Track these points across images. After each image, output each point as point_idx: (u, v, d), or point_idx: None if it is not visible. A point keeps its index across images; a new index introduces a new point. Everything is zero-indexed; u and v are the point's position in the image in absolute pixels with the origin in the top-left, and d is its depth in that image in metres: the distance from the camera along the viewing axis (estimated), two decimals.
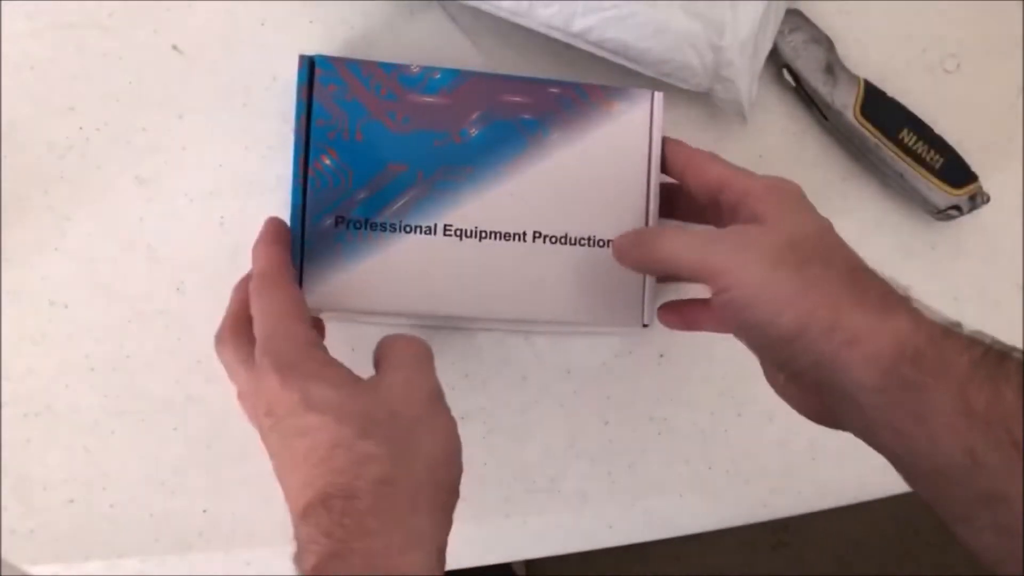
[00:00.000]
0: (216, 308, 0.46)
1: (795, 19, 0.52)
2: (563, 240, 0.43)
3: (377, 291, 0.41)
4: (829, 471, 0.52)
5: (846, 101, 0.52)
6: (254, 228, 0.48)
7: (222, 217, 0.48)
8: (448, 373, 0.50)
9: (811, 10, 0.53)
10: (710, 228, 0.40)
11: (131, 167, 0.47)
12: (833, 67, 0.52)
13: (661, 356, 0.52)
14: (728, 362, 0.52)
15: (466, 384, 0.50)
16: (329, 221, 0.41)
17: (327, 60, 0.42)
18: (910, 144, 0.52)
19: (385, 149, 0.41)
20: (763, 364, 0.40)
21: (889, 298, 0.34)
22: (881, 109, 0.52)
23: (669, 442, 0.52)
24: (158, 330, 0.48)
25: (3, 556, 0.46)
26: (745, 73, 0.48)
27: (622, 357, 0.52)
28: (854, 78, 0.52)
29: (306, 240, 0.41)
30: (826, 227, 0.36)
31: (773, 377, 0.40)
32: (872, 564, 1.26)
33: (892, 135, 0.52)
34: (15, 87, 0.46)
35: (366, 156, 0.41)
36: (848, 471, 0.52)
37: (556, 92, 0.43)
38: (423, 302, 0.42)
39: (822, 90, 0.52)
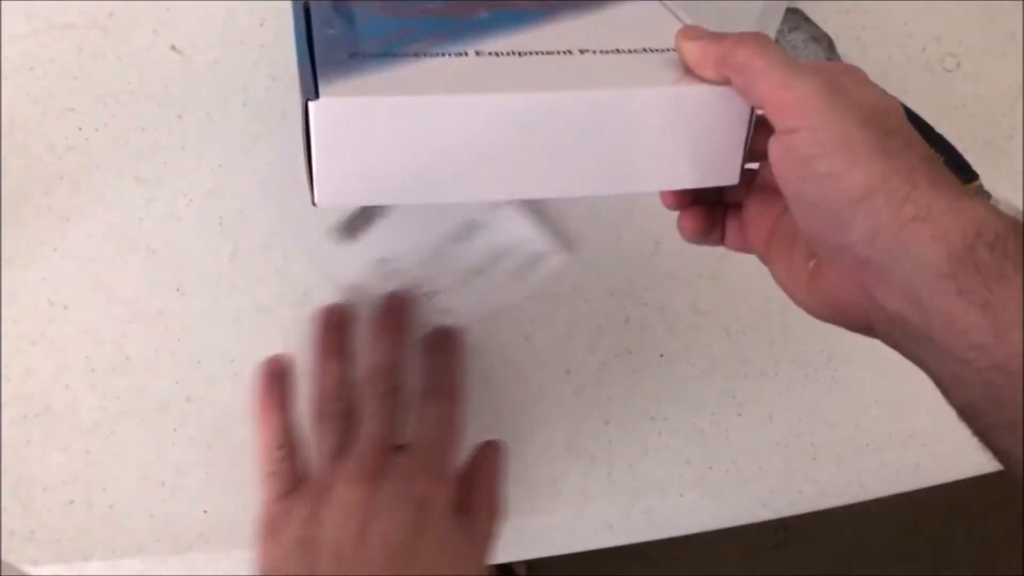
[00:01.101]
0: (216, 308, 0.46)
1: (795, 18, 0.52)
2: (615, 52, 0.37)
3: (411, 82, 0.34)
4: (829, 471, 0.52)
5: None
6: (254, 228, 0.48)
7: (222, 217, 0.48)
8: None
9: (811, 9, 0.53)
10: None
11: (131, 167, 0.47)
12: None
13: (661, 356, 0.52)
14: (728, 362, 0.52)
15: (466, 384, 0.50)
16: (343, 56, 0.35)
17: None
18: None
19: (393, 25, 0.38)
20: (778, 265, 0.37)
21: (962, 189, 0.31)
22: None
23: (669, 442, 0.52)
24: (158, 330, 0.48)
25: (3, 557, 0.46)
26: None
27: (622, 357, 0.52)
28: None
29: (318, 64, 0.34)
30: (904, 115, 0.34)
31: (794, 268, 0.37)
32: (872, 564, 1.26)
33: None
34: (15, 87, 0.46)
35: (373, 28, 0.38)
36: (848, 471, 0.52)
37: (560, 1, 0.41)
38: (470, 83, 0.34)
39: None
